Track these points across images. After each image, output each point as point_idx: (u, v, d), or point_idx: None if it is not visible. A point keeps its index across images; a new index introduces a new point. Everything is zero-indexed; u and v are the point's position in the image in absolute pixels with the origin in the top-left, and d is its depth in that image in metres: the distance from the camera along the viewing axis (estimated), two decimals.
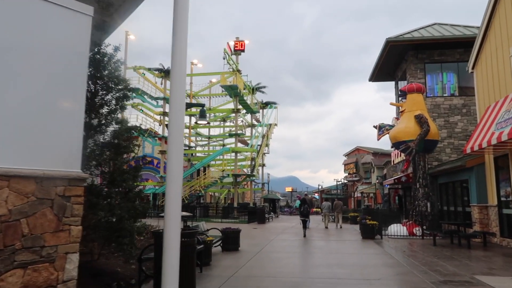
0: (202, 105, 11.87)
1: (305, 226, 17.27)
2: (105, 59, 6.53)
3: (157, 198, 35.69)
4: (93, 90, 6.41)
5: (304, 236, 16.53)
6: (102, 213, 6.03)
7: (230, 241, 11.62)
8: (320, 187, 75.67)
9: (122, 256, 6.93)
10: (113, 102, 6.65)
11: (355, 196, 58.00)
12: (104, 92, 6.52)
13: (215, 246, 11.24)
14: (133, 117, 37.54)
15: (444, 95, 19.96)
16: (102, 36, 6.91)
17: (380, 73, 24.24)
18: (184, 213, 7.63)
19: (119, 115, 6.89)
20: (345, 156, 68.75)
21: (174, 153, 4.79)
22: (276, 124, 46.50)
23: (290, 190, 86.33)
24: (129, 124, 7.32)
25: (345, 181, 64.14)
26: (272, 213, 39.37)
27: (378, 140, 19.58)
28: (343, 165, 65.21)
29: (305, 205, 17.99)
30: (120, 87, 6.65)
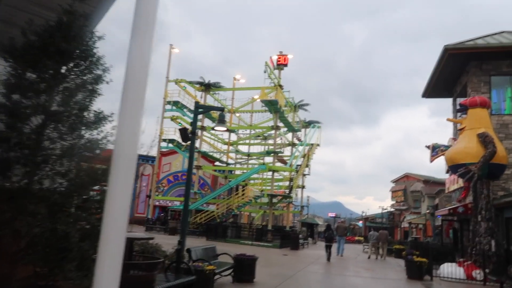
0: (222, 109, 10.24)
1: (328, 251, 18.18)
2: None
3: (189, 214, 34.37)
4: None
5: (328, 260, 17.60)
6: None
7: (244, 271, 9.69)
8: (364, 214, 71.52)
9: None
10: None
11: (402, 226, 53.64)
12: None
13: (225, 276, 9.38)
14: (171, 129, 37.05)
15: None
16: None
17: (436, 88, 21.53)
18: (136, 234, 5.69)
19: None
20: (393, 182, 64.49)
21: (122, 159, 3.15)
22: (318, 145, 44.18)
23: (333, 216, 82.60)
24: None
25: (392, 209, 59.86)
26: (310, 238, 36.82)
27: (431, 162, 16.93)
28: (390, 192, 61.05)
29: (329, 231, 19.55)
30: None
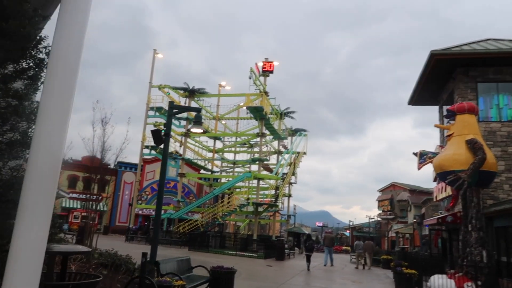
0: (199, 109, 9.57)
1: (309, 260, 18.74)
2: None
3: (172, 223, 33.35)
4: None
5: (308, 269, 18.07)
6: None
7: (221, 285, 8.93)
8: (351, 223, 71.10)
9: None
10: None
11: (389, 235, 53.30)
12: None
13: None
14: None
15: (502, 120, 16.70)
16: None
17: (422, 95, 21.19)
18: (66, 247, 4.67)
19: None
20: (380, 192, 64.29)
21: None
22: (305, 153, 43.71)
23: (321, 225, 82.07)
24: None
25: (379, 219, 59.55)
26: (296, 248, 36.06)
27: (418, 169, 16.43)
28: (377, 202, 60.82)
29: (309, 241, 20.42)
30: None
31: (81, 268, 6.98)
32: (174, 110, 9.43)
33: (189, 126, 9.52)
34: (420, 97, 21.67)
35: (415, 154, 17.11)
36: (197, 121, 9.74)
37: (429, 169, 18.05)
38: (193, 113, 37.59)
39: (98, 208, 43.93)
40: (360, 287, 13.21)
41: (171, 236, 30.68)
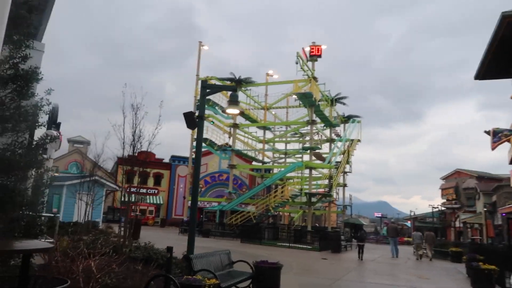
0: (234, 88, 8.59)
1: (361, 251, 18.85)
2: None
3: (224, 215, 33.01)
4: None
5: (361, 259, 18.27)
6: None
7: (266, 282, 7.93)
8: (412, 213, 67.28)
9: None
10: None
11: (456, 226, 49.49)
12: None
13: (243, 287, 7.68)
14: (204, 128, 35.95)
15: None
16: None
17: (492, 67, 18.56)
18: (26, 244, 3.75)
19: None
20: (443, 179, 59.97)
21: None
22: (359, 140, 41.54)
23: (380, 216, 78.69)
24: None
25: (443, 208, 55.55)
26: (354, 240, 34.28)
27: (492, 149, 14.28)
28: (440, 190, 56.75)
29: (361, 231, 21.08)
30: None
31: (108, 263, 6.28)
32: (208, 90, 8.54)
33: (227, 107, 8.61)
34: (488, 69, 18.98)
35: (487, 132, 14.93)
36: (233, 101, 8.75)
37: (497, 155, 15.76)
38: (242, 104, 36.97)
39: (153, 201, 44.50)
40: (428, 284, 11.61)
41: (223, 228, 30.35)
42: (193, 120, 8.44)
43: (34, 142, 3.81)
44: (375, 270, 14.38)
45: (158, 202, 49.57)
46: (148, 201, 48.50)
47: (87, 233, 15.73)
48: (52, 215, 17.78)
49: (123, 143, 9.92)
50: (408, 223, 70.29)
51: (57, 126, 14.83)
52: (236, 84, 35.10)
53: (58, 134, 13.37)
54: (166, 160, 51.64)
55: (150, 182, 50.50)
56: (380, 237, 43.60)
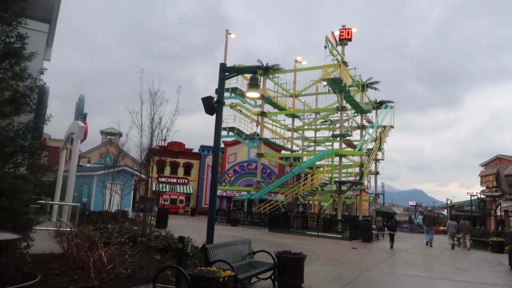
0: (254, 69, 8.18)
1: (392, 239, 19.06)
2: None
3: (253, 204, 32.85)
4: None
5: (391, 247, 18.27)
6: None
7: (288, 273, 7.55)
8: (449, 202, 64.86)
9: None
10: None
11: (496, 214, 47.19)
12: None
13: (264, 279, 7.34)
14: (231, 117, 35.75)
15: None
16: None
17: None
18: None
19: None
20: (482, 166, 57.23)
21: None
22: (392, 127, 40.13)
23: (414, 204, 76.50)
24: None
25: (482, 196, 53.08)
26: (386, 229, 33.30)
27: None
28: (480, 177, 54.19)
29: (392, 220, 21.73)
30: None
31: (122, 253, 6.09)
32: (227, 74, 8.14)
33: (247, 91, 8.21)
34: None
35: None
36: (253, 84, 8.32)
37: None
38: (269, 92, 36.40)
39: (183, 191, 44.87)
40: (467, 277, 10.85)
41: (252, 217, 30.21)
42: (212, 105, 8.10)
43: (24, 124, 3.53)
44: (407, 261, 13.71)
45: (188, 191, 50.16)
46: (178, 191, 49.22)
47: (115, 222, 15.84)
48: (74, 204, 18.07)
49: (141, 130, 9.68)
50: (444, 212, 67.90)
51: (84, 116, 14.96)
52: (263, 72, 34.54)
53: (83, 125, 13.46)
54: (196, 150, 52.10)
55: (180, 172, 51.11)
56: (415, 226, 42.21)
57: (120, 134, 48.67)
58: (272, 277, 7.46)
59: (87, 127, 13.69)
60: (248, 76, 34.59)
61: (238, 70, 8.26)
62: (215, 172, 8.20)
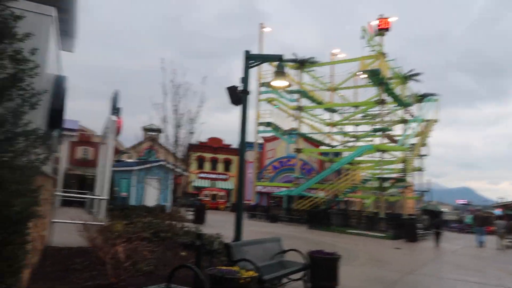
0: (279, 57, 7.66)
1: (438, 238, 18.94)
2: None
3: (292, 201, 32.28)
4: None
5: (437, 246, 18.21)
6: None
7: (322, 274, 7.02)
8: (503, 200, 60.90)
9: None
10: None
11: None
12: None
13: (295, 280, 6.86)
14: (268, 112, 35.32)
15: None
16: None
17: None
18: None
19: None
20: None
21: None
22: (436, 121, 38.07)
23: (464, 203, 72.62)
24: None
25: None
26: (433, 228, 31.58)
27: None
28: None
29: (437, 218, 21.71)
30: None
31: (143, 248, 5.84)
32: (251, 62, 7.71)
33: (272, 80, 7.78)
34: None
35: None
36: (279, 72, 7.82)
37: None
38: (305, 86, 35.57)
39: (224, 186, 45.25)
40: None
41: (291, 214, 29.70)
42: (237, 95, 7.70)
43: (12, 109, 3.25)
44: (456, 263, 12.68)
45: (229, 187, 50.36)
46: (218, 186, 49.57)
47: (152, 216, 15.89)
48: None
49: (164, 122, 9.45)
50: (497, 211, 63.98)
51: (117, 111, 15.06)
52: (299, 65, 33.82)
53: (116, 119, 13.54)
54: (235, 146, 52.24)
55: (220, 167, 51.45)
56: (464, 226, 39.83)
57: (160, 130, 49.91)
58: (304, 278, 6.97)
59: (120, 122, 13.77)
60: (287, 69, 34.02)
61: (263, 58, 7.80)
62: (242, 166, 7.81)
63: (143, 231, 6.93)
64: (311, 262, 7.11)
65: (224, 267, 5.10)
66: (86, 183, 23.55)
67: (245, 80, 7.55)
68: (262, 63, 7.79)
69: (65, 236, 7.18)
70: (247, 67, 7.54)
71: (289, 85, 8.51)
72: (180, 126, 9.65)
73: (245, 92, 7.55)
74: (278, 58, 7.67)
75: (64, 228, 8.55)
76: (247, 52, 7.62)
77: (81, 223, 7.63)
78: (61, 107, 5.82)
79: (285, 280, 6.80)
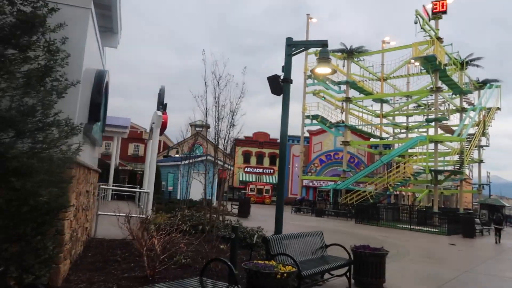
0: (324, 42, 7.28)
1: (497, 234, 17.81)
2: None
3: (339, 194, 31.53)
4: None
5: (498, 242, 17.32)
6: None
7: (367, 270, 6.63)
8: None
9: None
10: None
11: None
12: None
13: (339, 276, 6.53)
14: (314, 105, 34.68)
15: None
16: None
17: None
18: None
19: None
20: None
21: None
22: (499, 108, 35.49)
23: None
24: None
25: None
26: (493, 224, 29.47)
27: None
28: None
29: (498, 213, 20.88)
30: None
31: (182, 241, 5.80)
32: (293, 49, 7.41)
33: (316, 66, 7.40)
34: None
35: None
36: (323, 58, 7.45)
37: None
38: (354, 77, 34.46)
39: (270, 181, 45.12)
40: None
41: (337, 208, 29.01)
42: (278, 84, 7.44)
43: (40, 99, 3.23)
44: None
45: (275, 181, 50.21)
46: (264, 181, 49.58)
47: (200, 209, 16.09)
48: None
49: (206, 114, 9.37)
50: None
51: (164, 107, 15.35)
52: (347, 55, 32.82)
53: (161, 114, 13.77)
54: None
55: (266, 162, 51.41)
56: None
57: (208, 126, 50.68)
58: (348, 274, 6.62)
59: (165, 117, 13.98)
60: (334, 60, 33.15)
61: (305, 44, 7.46)
62: (282, 158, 7.55)
63: (183, 224, 6.89)
64: (355, 258, 6.76)
65: (261, 261, 4.91)
66: (137, 178, 24.40)
67: (286, 68, 7.28)
68: (304, 50, 7.46)
69: (110, 229, 7.33)
70: (288, 55, 7.26)
71: (334, 72, 8.04)
72: (221, 118, 9.54)
73: (287, 80, 7.27)
74: (321, 43, 7.30)
75: (111, 221, 8.78)
76: (288, 39, 7.33)
77: (124, 216, 7.78)
78: (100, 100, 5.88)
79: (327, 275, 6.51)
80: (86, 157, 6.25)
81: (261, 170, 50.45)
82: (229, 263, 4.13)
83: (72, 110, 4.50)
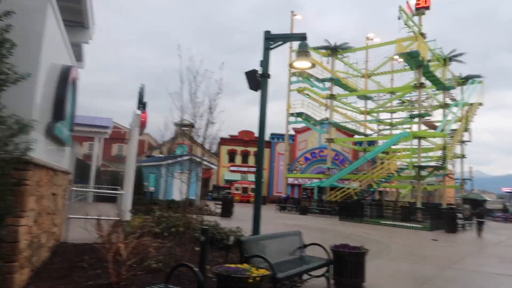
0: (303, 35, 7.08)
1: (480, 228, 18.05)
2: None
3: (323, 192, 31.50)
4: None
5: (479, 236, 17.44)
6: None
7: (347, 270, 6.46)
8: None
9: None
10: None
11: None
12: None
13: (317, 276, 6.33)
14: (299, 102, 34.54)
15: None
16: None
17: None
18: None
19: None
20: None
21: None
22: (481, 104, 35.95)
23: (508, 191, 68.87)
24: None
25: None
26: (475, 218, 29.87)
27: None
28: None
29: (480, 207, 21.70)
30: None
31: (152, 245, 5.52)
32: (271, 43, 7.18)
33: (295, 60, 7.27)
34: None
35: None
36: (302, 52, 7.24)
37: None
38: (339, 74, 34.45)
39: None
40: None
41: (322, 205, 28.99)
42: (256, 80, 7.21)
43: None
44: (501, 256, 11.68)
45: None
46: (250, 179, 49.35)
47: (179, 210, 15.75)
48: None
49: (182, 111, 9.10)
50: None
51: (143, 106, 14.96)
52: (331, 52, 32.79)
53: (140, 113, 13.39)
54: (267, 138, 51.73)
55: (251, 160, 51.18)
56: (510, 215, 37.54)
57: (192, 125, 50.12)
58: (326, 274, 6.44)
59: (145, 116, 13.61)
60: (318, 57, 32.83)
61: (283, 37, 7.22)
62: (260, 156, 7.33)
63: (156, 226, 6.61)
64: (335, 257, 6.58)
65: (233, 265, 4.67)
66: (119, 179, 23.94)
67: (264, 63, 7.05)
68: (283, 43, 7.22)
69: (83, 232, 7.00)
70: (266, 49, 7.03)
71: (313, 66, 7.84)
72: (198, 115, 9.26)
73: (265, 75, 7.04)
74: (300, 37, 7.10)
75: (85, 224, 8.43)
76: (266, 32, 7.10)
77: (95, 219, 7.45)
78: (64, 97, 5.56)
79: (306, 276, 6.32)
80: (51, 158, 5.92)
81: (246, 169, 50.20)
82: (195, 269, 3.89)
83: (27, 106, 4.19)
